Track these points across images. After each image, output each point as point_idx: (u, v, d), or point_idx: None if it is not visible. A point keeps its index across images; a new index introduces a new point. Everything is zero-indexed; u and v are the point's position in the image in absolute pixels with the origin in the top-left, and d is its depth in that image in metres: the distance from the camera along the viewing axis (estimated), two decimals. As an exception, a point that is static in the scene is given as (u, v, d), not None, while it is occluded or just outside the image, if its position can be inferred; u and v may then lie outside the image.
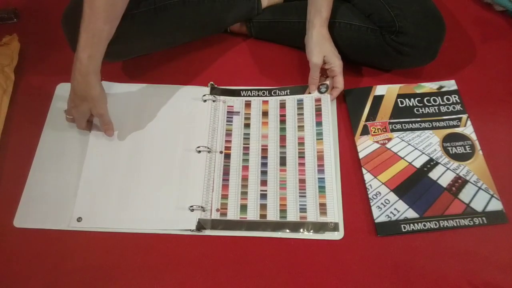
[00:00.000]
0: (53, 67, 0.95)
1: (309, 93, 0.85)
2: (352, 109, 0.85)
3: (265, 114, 0.85)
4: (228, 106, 0.87)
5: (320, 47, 0.80)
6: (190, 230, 0.73)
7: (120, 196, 0.77)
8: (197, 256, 0.71)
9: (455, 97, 0.86)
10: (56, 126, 0.85)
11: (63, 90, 0.91)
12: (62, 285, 0.70)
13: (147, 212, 0.75)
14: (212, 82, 0.89)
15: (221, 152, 0.81)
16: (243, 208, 0.75)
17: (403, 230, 0.71)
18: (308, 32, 0.82)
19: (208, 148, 0.81)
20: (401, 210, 0.73)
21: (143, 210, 0.75)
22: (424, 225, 0.71)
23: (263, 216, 0.74)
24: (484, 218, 0.72)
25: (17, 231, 0.74)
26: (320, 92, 0.85)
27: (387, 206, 0.74)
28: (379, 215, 0.73)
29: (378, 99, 0.86)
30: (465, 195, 0.74)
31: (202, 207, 0.75)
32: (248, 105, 0.87)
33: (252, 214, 0.74)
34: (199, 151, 0.80)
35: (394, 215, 0.73)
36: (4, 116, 0.87)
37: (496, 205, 0.73)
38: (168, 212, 0.75)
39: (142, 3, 0.79)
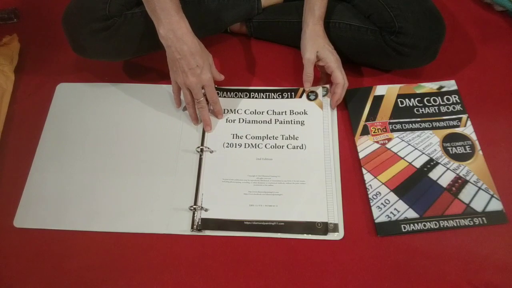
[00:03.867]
0: (53, 67, 0.95)
1: (304, 91, 0.85)
2: (352, 109, 0.85)
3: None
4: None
5: (313, 42, 0.80)
6: (190, 230, 0.73)
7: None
8: (196, 256, 0.71)
9: (455, 97, 0.86)
10: (56, 126, 0.86)
11: (63, 90, 0.91)
12: (62, 285, 0.70)
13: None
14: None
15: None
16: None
17: (403, 230, 0.71)
18: (302, 31, 0.82)
19: (208, 148, 0.81)
20: (401, 210, 0.73)
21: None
22: (424, 225, 0.71)
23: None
24: (484, 218, 0.72)
25: (17, 231, 0.74)
26: (309, 99, 0.85)
27: (387, 206, 0.74)
28: (379, 215, 0.73)
29: (378, 99, 0.86)
30: (465, 195, 0.74)
31: (202, 207, 0.75)
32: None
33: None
34: (198, 151, 0.80)
35: (394, 215, 0.73)
36: (4, 116, 0.87)
37: (496, 205, 0.73)
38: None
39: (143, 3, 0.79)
